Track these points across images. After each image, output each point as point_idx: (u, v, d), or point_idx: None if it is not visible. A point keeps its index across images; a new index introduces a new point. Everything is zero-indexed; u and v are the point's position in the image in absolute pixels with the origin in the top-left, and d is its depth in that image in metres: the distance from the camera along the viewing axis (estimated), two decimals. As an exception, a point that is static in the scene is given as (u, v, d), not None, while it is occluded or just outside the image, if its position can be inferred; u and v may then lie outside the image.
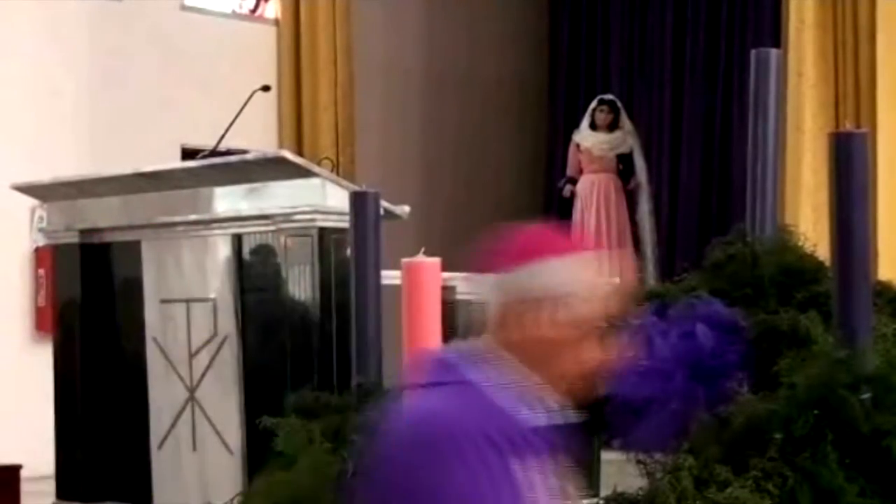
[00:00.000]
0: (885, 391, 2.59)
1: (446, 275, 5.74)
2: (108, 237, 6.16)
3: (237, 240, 5.59)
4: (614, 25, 11.81)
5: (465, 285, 5.96)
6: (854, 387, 2.58)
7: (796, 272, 3.12)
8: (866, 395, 2.58)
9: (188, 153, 8.50)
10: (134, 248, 6.01)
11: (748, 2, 10.90)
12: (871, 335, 2.72)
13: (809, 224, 9.05)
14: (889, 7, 9.45)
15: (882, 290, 3.05)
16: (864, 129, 2.84)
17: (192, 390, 5.72)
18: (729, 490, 2.49)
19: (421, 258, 2.25)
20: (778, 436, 2.57)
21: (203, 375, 5.67)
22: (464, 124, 11.66)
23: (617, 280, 6.63)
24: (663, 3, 11.41)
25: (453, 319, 5.82)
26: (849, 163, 2.72)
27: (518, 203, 11.93)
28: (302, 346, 5.26)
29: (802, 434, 2.56)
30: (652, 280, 10.49)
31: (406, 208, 5.62)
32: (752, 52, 3.65)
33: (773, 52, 3.61)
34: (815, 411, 2.57)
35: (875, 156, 9.15)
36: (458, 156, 11.67)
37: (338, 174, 7.67)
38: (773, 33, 10.14)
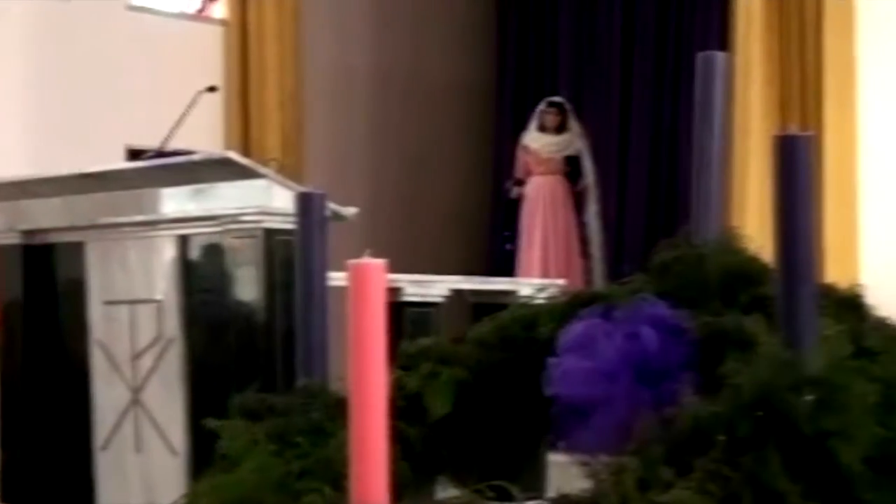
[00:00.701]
0: (829, 393, 2.60)
1: (393, 276, 5.74)
2: (52, 238, 6.12)
3: (183, 241, 5.56)
4: (562, 27, 11.84)
5: (412, 287, 5.97)
6: (798, 389, 2.58)
7: (741, 274, 3.12)
8: (810, 397, 2.58)
9: (133, 153, 8.46)
10: (78, 250, 5.97)
11: (696, 5, 10.96)
12: (816, 337, 2.72)
13: (755, 226, 9.11)
14: (836, 9, 9.52)
15: (827, 291, 3.06)
16: (808, 132, 2.84)
17: (136, 392, 5.69)
18: (672, 492, 2.49)
19: (367, 260, 2.24)
20: (721, 437, 2.57)
21: (147, 377, 5.65)
22: (411, 126, 11.66)
23: (564, 281, 6.63)
24: (611, 5, 11.45)
25: (400, 321, 5.82)
26: (793, 165, 2.73)
27: (466, 205, 11.95)
28: (247, 348, 5.25)
29: (746, 436, 2.56)
30: (599, 281, 10.53)
31: (353, 210, 5.61)
32: (698, 54, 3.66)
33: (719, 54, 3.62)
34: (759, 413, 2.57)
35: (822, 157, 9.23)
36: (405, 157, 11.66)
37: (285, 175, 7.65)
38: (721, 36, 10.20)
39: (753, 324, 2.84)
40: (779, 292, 2.74)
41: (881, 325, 3.01)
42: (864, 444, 2.57)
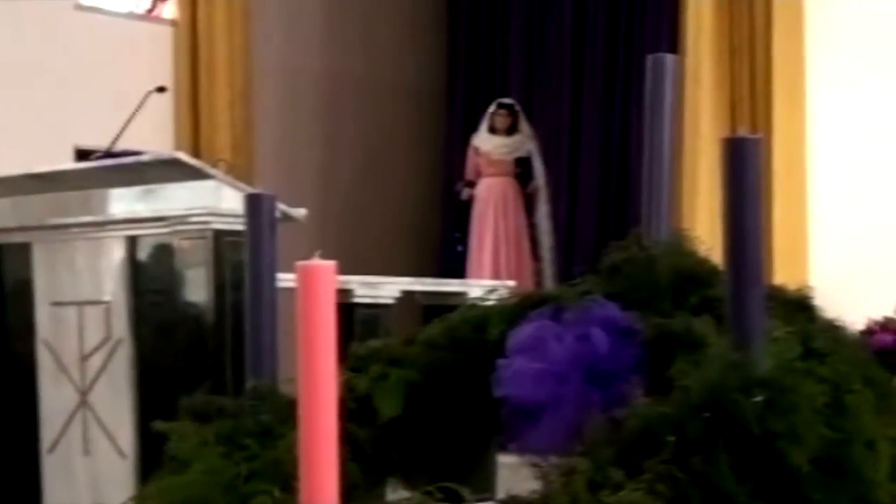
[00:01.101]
0: (778, 394, 2.61)
1: (343, 278, 5.71)
2: (-1, 239, 6.07)
3: (131, 242, 5.53)
4: (513, 29, 11.85)
5: (363, 289, 5.96)
6: (746, 390, 2.59)
7: (691, 276, 3.13)
8: (759, 398, 2.59)
9: (82, 154, 8.40)
10: (25, 251, 5.93)
11: (647, 7, 11.00)
12: (764, 338, 2.73)
13: (706, 228, 9.14)
14: (785, 11, 9.58)
15: (776, 293, 3.07)
16: (757, 134, 2.85)
17: (84, 394, 5.65)
18: (622, 493, 2.49)
19: (316, 261, 2.23)
20: (671, 439, 2.57)
21: (95, 379, 5.61)
22: (362, 127, 11.64)
23: (514, 283, 6.63)
24: (562, 7, 11.48)
25: (350, 323, 5.81)
26: (742, 167, 2.74)
27: (416, 206, 11.95)
28: (196, 349, 5.22)
29: (695, 437, 2.57)
30: (550, 283, 10.55)
31: (303, 211, 5.60)
32: (648, 56, 3.67)
33: (669, 57, 3.63)
34: (708, 414, 2.58)
35: (771, 160, 9.29)
36: (356, 159, 11.65)
37: (235, 176, 7.62)
38: (671, 39, 10.25)
39: (703, 325, 2.84)
40: (728, 294, 2.75)
41: (830, 326, 3.03)
42: (813, 445, 2.59)
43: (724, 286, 2.78)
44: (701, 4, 10.08)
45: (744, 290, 2.71)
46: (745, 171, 2.74)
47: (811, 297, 3.14)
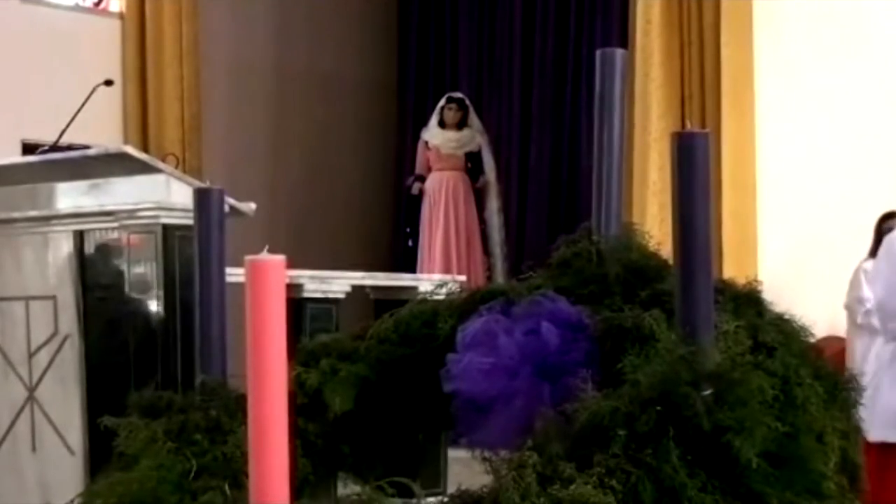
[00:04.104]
0: (727, 388, 2.62)
1: (293, 272, 5.71)
2: (-55, 233, 6.01)
3: (79, 237, 5.48)
4: (463, 23, 11.86)
5: (313, 283, 5.94)
6: (696, 384, 2.60)
7: (640, 270, 3.14)
8: (708, 392, 2.60)
9: (29, 148, 8.34)
10: (-29, 245, 5.87)
11: (596, 2, 11.02)
12: (713, 333, 2.74)
13: (656, 223, 9.20)
14: (733, 7, 9.63)
15: (724, 287, 3.09)
16: (706, 130, 2.86)
17: (31, 390, 5.60)
18: (573, 486, 2.50)
19: (265, 256, 2.21)
20: (621, 432, 2.58)
21: (43, 375, 5.56)
22: (311, 121, 11.62)
23: (464, 278, 6.62)
24: (512, 2, 11.49)
25: (300, 317, 5.79)
26: (691, 162, 2.75)
27: (366, 201, 11.93)
28: (145, 345, 5.19)
29: (645, 431, 2.57)
30: (500, 278, 10.56)
31: (252, 205, 5.57)
32: (598, 51, 3.68)
33: (619, 51, 3.64)
34: (658, 408, 2.58)
35: (719, 155, 9.34)
36: (305, 153, 11.62)
37: (184, 170, 7.59)
38: (621, 34, 10.28)
39: (652, 319, 2.85)
40: (677, 288, 2.76)
41: (779, 320, 3.05)
42: (762, 438, 2.60)
43: (674, 280, 2.79)
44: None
45: (693, 285, 2.72)
46: (695, 166, 2.75)
47: (760, 291, 3.16)
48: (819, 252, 9.26)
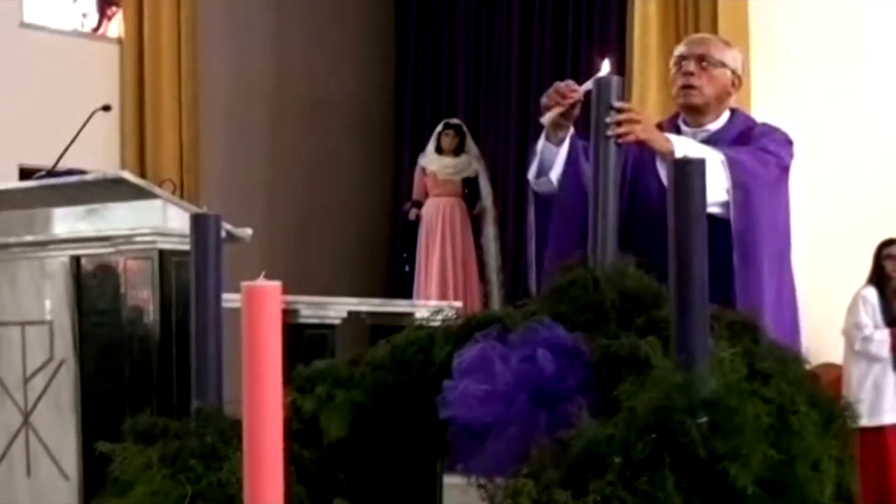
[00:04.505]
0: (722, 415, 2.62)
1: (289, 298, 5.70)
2: (-58, 258, 6.01)
3: (75, 262, 5.48)
4: (460, 50, 11.87)
5: (309, 309, 5.93)
6: (692, 411, 2.60)
7: (636, 297, 3.14)
8: (703, 420, 2.60)
9: (26, 173, 8.34)
10: (-33, 270, 5.86)
11: (593, 28, 11.04)
12: (709, 360, 2.74)
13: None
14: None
15: (720, 314, 3.08)
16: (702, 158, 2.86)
17: (26, 415, 5.59)
18: (569, 514, 2.49)
19: (261, 282, 2.22)
20: (617, 460, 2.58)
21: (38, 400, 5.54)
22: (309, 146, 11.62)
23: (460, 304, 6.59)
24: (510, 27, 11.51)
25: (298, 343, 5.78)
26: (686, 188, 2.75)
27: (363, 226, 11.93)
28: (141, 370, 5.18)
29: (641, 458, 2.57)
30: (496, 304, 10.55)
31: (248, 231, 5.57)
32: (593, 79, 3.69)
33: (615, 78, 3.65)
34: (654, 435, 2.58)
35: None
36: (303, 178, 11.62)
37: (182, 196, 7.59)
38: (620, 62, 10.28)
39: (648, 346, 2.85)
40: (672, 315, 2.76)
41: (775, 347, 3.04)
42: (758, 466, 2.60)
43: (670, 307, 2.79)
44: (647, 30, 10.15)
45: (689, 312, 2.72)
46: (691, 192, 2.75)
47: (756, 318, 3.16)
48: (817, 276, 9.25)
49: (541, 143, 4.05)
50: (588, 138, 3.64)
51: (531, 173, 4.08)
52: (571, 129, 3.97)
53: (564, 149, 3.97)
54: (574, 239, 3.71)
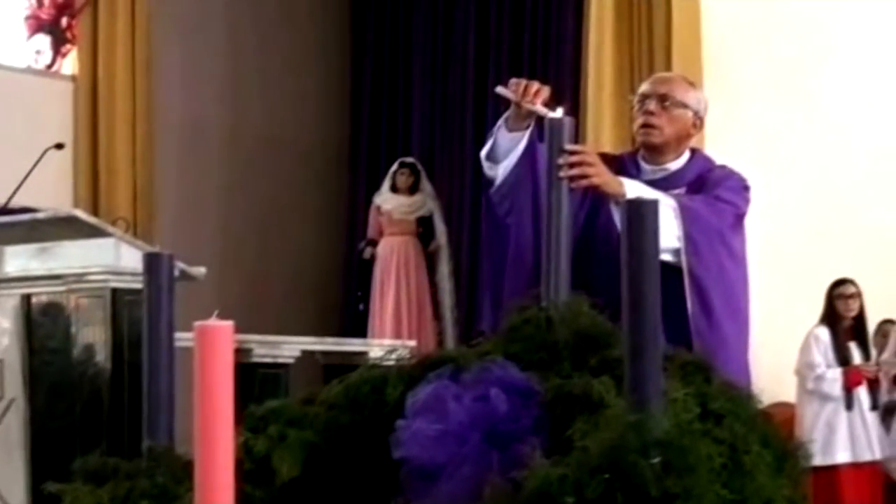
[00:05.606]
0: (675, 455, 2.62)
1: (242, 337, 5.68)
2: None
3: (26, 300, 5.45)
4: (416, 88, 11.90)
5: (262, 348, 5.92)
6: (644, 451, 2.60)
7: (590, 337, 3.14)
8: (656, 460, 2.60)
9: (-22, 210, 8.28)
10: (-82, 307, 5.81)
11: (548, 67, 11.08)
12: (662, 400, 2.75)
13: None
14: (683, 59, 9.76)
15: (672, 355, 3.09)
16: (654, 200, 2.88)
17: (-24, 455, 5.54)
18: (521, 555, 2.49)
19: (213, 322, 2.21)
20: (570, 500, 2.57)
21: (-12, 439, 5.50)
22: (264, 185, 11.60)
23: (414, 343, 6.58)
24: (464, 64, 11.55)
25: (251, 382, 5.76)
26: (640, 230, 2.76)
27: (318, 265, 11.91)
28: (92, 410, 5.14)
29: (594, 498, 2.57)
30: (451, 342, 10.55)
31: (202, 270, 5.55)
32: (546, 120, 3.71)
33: (567, 119, 3.67)
34: (607, 475, 2.58)
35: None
36: (257, 216, 11.60)
37: (135, 234, 7.55)
38: (574, 98, 10.34)
39: (602, 386, 2.85)
40: (626, 355, 2.76)
41: (727, 387, 3.05)
42: (710, 506, 2.60)
43: (623, 347, 2.79)
44: (602, 64, 10.22)
45: (642, 352, 2.72)
46: (644, 233, 2.76)
47: (708, 359, 3.16)
48: (770, 315, 9.30)
49: (499, 126, 4.04)
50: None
51: (483, 152, 4.08)
52: (532, 126, 3.96)
53: (522, 144, 3.96)
54: (526, 278, 3.71)
